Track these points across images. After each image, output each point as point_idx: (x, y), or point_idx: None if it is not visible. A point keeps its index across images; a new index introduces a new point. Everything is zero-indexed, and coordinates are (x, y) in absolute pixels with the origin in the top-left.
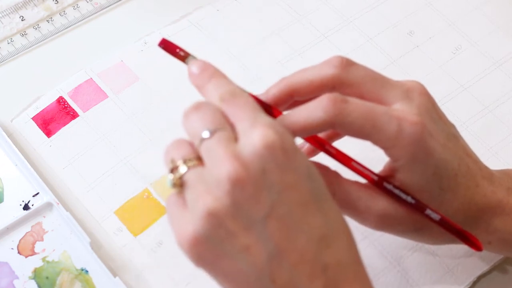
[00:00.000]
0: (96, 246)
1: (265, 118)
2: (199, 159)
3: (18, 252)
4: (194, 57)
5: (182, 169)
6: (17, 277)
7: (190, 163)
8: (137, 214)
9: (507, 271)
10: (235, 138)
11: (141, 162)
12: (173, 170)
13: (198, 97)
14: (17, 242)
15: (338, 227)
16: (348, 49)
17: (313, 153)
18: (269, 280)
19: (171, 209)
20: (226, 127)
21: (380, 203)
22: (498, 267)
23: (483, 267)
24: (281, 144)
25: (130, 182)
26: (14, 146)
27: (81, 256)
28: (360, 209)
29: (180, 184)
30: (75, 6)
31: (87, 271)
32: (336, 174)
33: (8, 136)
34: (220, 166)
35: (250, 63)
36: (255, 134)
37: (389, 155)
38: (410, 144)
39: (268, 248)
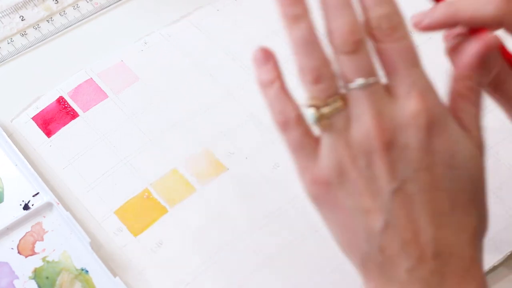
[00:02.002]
0: (96, 246)
1: (423, 80)
2: (344, 100)
3: (18, 252)
4: None
5: (329, 109)
6: (17, 277)
7: (337, 104)
8: (137, 214)
9: (507, 271)
10: (386, 89)
11: (141, 162)
12: (318, 107)
13: (198, 97)
14: (17, 242)
15: (464, 221)
16: None
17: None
18: (377, 247)
19: (304, 147)
20: (379, 78)
21: None
22: (498, 267)
23: (483, 267)
24: (431, 121)
25: (130, 182)
26: (14, 146)
27: (81, 256)
28: None
29: (323, 125)
30: (75, 6)
31: (87, 271)
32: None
33: (8, 136)
34: (365, 126)
35: (250, 63)
36: (408, 105)
37: None
38: None
39: (386, 219)
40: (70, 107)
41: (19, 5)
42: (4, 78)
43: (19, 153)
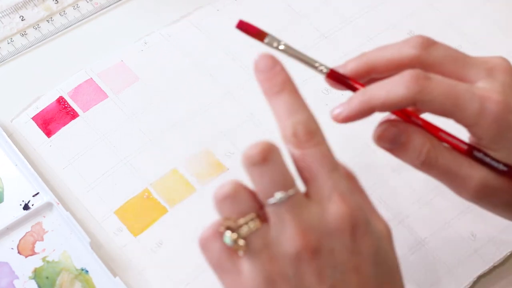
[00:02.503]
0: (96, 246)
1: (342, 183)
2: (262, 217)
3: (18, 252)
4: (273, 37)
5: (245, 230)
6: (17, 277)
7: (253, 225)
8: (137, 214)
9: (507, 271)
10: (306, 195)
11: (141, 162)
12: (233, 229)
13: (198, 97)
14: (17, 242)
15: None
16: (348, 49)
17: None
18: None
19: (224, 263)
20: (297, 187)
21: (480, 172)
22: (498, 267)
23: (483, 267)
24: (355, 224)
25: (130, 182)
26: (14, 146)
27: (81, 256)
28: (461, 177)
29: (241, 246)
30: (75, 6)
31: (87, 271)
32: (438, 140)
33: (8, 136)
34: (289, 239)
35: (250, 63)
36: (331, 210)
37: (472, 133)
38: (492, 123)
39: None
40: (70, 107)
41: (19, 5)
42: (4, 78)
43: (19, 153)
